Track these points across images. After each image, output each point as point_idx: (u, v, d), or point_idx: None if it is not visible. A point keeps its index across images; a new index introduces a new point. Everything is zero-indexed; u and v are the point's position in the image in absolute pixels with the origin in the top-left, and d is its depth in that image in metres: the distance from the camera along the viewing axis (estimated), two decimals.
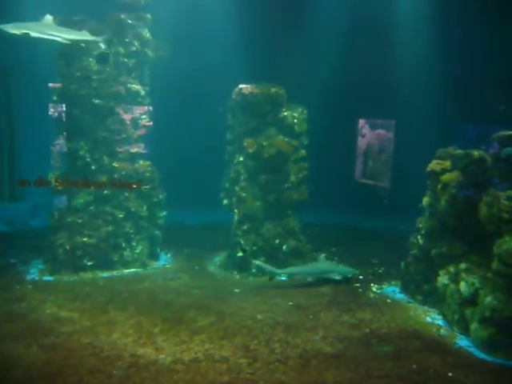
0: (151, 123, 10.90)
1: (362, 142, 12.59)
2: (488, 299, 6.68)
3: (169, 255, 11.67)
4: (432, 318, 8.09)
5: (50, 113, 10.63)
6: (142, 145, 10.82)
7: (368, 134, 12.50)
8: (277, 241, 10.56)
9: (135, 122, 10.73)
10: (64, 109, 10.27)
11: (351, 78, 14.39)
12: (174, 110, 13.92)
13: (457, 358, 6.57)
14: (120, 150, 10.43)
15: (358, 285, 9.88)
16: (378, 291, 9.53)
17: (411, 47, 13.77)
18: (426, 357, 6.56)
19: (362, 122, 12.71)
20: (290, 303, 8.60)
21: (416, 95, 13.43)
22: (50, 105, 10.49)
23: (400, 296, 9.25)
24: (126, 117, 10.56)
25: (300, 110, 11.07)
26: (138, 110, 10.82)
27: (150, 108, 10.95)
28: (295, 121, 10.93)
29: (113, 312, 7.81)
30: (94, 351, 6.38)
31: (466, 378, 6.04)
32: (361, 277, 10.41)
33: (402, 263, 9.52)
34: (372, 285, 9.89)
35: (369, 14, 13.71)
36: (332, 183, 14.85)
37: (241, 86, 10.65)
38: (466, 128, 13.03)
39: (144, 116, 10.81)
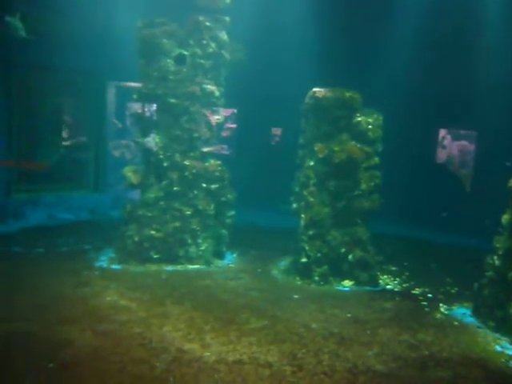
0: (235, 125, 11.17)
1: (441, 153, 11.89)
2: None
3: (234, 255, 11.77)
4: (502, 346, 7.38)
5: (129, 111, 11.23)
6: (225, 146, 11.11)
7: (448, 144, 11.78)
8: (343, 249, 10.25)
9: (219, 123, 10.99)
10: (143, 107, 10.75)
11: (432, 87, 13.71)
12: (250, 112, 14.11)
13: None
14: (203, 149, 10.69)
15: (425, 303, 9.31)
16: (447, 312, 8.90)
17: (497, 54, 12.87)
18: None
19: (441, 131, 12.01)
20: (349, 315, 8.29)
21: (501, 105, 12.50)
22: (130, 103, 11.06)
23: (470, 320, 8.56)
24: (212, 118, 10.86)
25: (375, 116, 10.67)
26: (224, 112, 11.07)
27: (235, 110, 11.20)
28: (369, 127, 10.54)
29: (169, 305, 8.00)
30: (143, 342, 6.55)
31: None
32: (430, 295, 9.82)
33: (476, 284, 8.82)
34: (441, 305, 9.27)
35: (453, 20, 12.99)
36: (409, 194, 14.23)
37: (314, 89, 10.50)
38: None
39: (226, 118, 11.10)
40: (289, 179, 11.40)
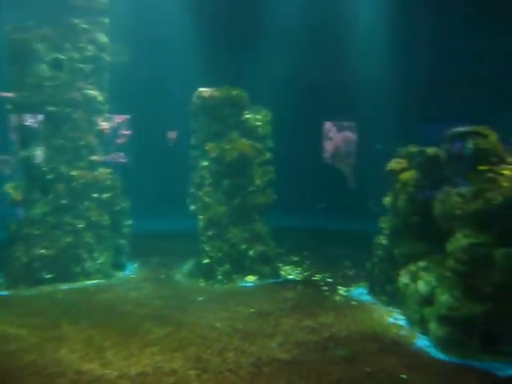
0: (130, 132, 10.77)
1: (328, 145, 12.46)
2: (444, 297, 6.51)
3: (136, 265, 11.41)
4: (395, 318, 7.91)
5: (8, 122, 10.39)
6: (122, 154, 10.69)
7: (334, 136, 12.38)
8: (243, 246, 10.34)
9: (109, 130, 10.55)
10: (21, 117, 10.00)
11: (314, 81, 14.40)
12: (145, 117, 13.77)
13: (413, 359, 6.38)
14: (91, 158, 10.19)
15: (325, 288, 9.70)
16: (345, 294, 9.35)
17: (372, 49, 13.84)
18: (382, 359, 6.36)
19: (327, 124, 12.60)
20: (252, 310, 8.37)
21: (378, 96, 13.46)
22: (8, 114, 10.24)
23: (366, 298, 9.07)
24: (104, 126, 10.38)
25: (264, 112, 10.89)
26: (117, 119, 10.62)
27: (128, 117, 10.81)
28: (259, 123, 10.74)
29: (65, 326, 7.51)
30: (37, 369, 6.09)
31: (418, 378, 5.84)
32: (330, 280, 10.26)
33: (368, 264, 9.37)
34: (340, 287, 9.72)
35: (329, 15, 13.74)
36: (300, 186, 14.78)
37: (201, 89, 10.47)
38: (429, 127, 13.01)
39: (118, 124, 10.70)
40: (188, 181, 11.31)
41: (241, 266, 10.24)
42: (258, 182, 10.59)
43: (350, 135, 12.23)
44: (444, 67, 14.27)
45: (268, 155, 10.82)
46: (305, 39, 14.03)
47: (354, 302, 8.81)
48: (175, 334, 7.27)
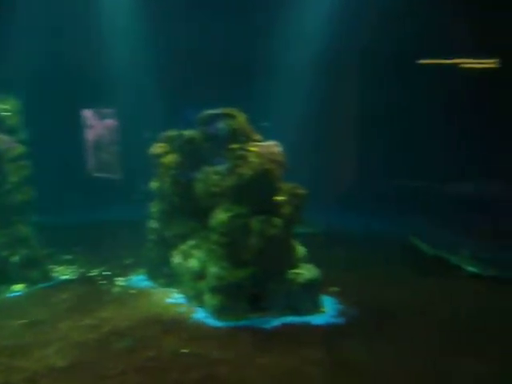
0: None
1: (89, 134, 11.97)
2: (213, 269, 7.02)
3: None
4: (174, 298, 8.19)
5: None
6: None
7: (95, 124, 11.96)
8: (4, 253, 9.25)
9: None
10: None
11: (70, 69, 13.67)
12: None
13: (192, 332, 6.75)
14: None
15: (103, 282, 9.42)
16: (124, 284, 9.25)
17: (129, 36, 13.85)
18: (163, 340, 6.55)
19: (87, 112, 12.08)
20: (23, 321, 7.61)
21: (138, 83, 13.58)
22: None
23: (146, 284, 9.15)
24: None
25: (12, 102, 9.79)
26: None
27: None
28: (7, 114, 9.63)
29: None
30: None
31: (199, 349, 6.22)
32: (107, 273, 9.99)
33: (144, 250, 9.43)
34: (118, 279, 9.56)
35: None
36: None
37: None
38: (188, 111, 13.71)
39: None
40: None
41: (5, 276, 9.16)
42: (14, 178, 9.54)
43: (112, 123, 11.97)
44: (199, 54, 15.04)
45: (21, 149, 9.81)
46: (58, 27, 13.09)
47: (133, 291, 8.79)
48: None
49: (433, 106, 14.70)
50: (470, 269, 9.17)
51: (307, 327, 6.95)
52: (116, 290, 8.94)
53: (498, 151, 13.55)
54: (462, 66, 14.99)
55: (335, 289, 8.47)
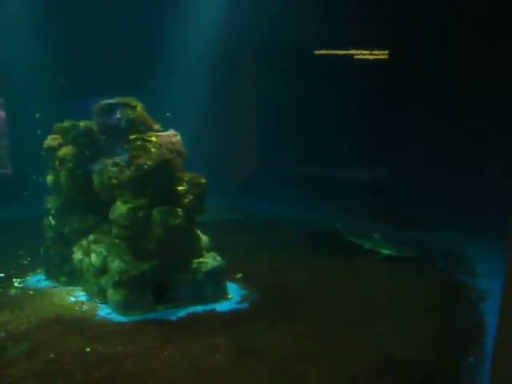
0: None
1: None
2: (115, 264, 6.85)
3: None
4: (76, 296, 7.87)
5: None
6: None
7: None
8: None
9: None
10: None
11: None
12: None
13: (96, 330, 6.55)
14: None
15: None
16: (21, 285, 8.70)
17: (21, 24, 13.09)
18: (65, 341, 6.29)
19: None
20: None
21: (30, 73, 12.92)
22: None
23: (45, 283, 8.69)
24: None
25: None
26: None
27: None
28: None
29: None
30: None
31: (103, 347, 6.06)
32: (2, 274, 9.34)
33: (41, 248, 8.94)
34: (14, 280, 8.97)
35: None
36: None
37: None
38: (85, 102, 13.21)
39: None
40: None
41: None
42: None
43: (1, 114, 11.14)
44: (97, 43, 14.46)
45: None
46: None
47: (31, 292, 8.31)
48: None
49: (331, 96, 15.36)
50: (380, 251, 9.84)
51: (212, 315, 7.03)
52: (12, 291, 8.40)
53: (394, 139, 14.55)
54: (357, 56, 15.81)
55: (240, 275, 8.65)
